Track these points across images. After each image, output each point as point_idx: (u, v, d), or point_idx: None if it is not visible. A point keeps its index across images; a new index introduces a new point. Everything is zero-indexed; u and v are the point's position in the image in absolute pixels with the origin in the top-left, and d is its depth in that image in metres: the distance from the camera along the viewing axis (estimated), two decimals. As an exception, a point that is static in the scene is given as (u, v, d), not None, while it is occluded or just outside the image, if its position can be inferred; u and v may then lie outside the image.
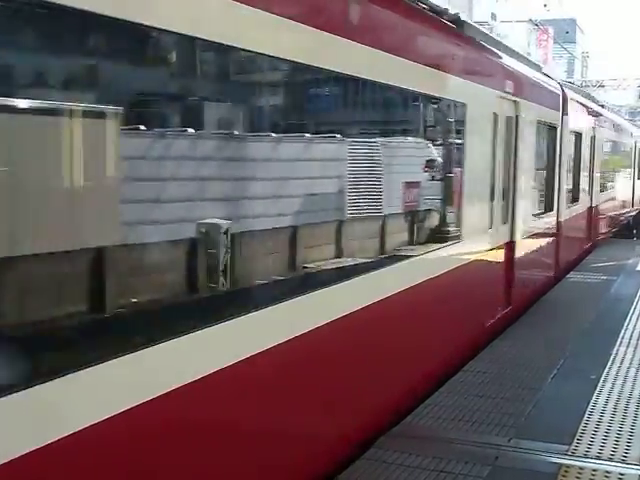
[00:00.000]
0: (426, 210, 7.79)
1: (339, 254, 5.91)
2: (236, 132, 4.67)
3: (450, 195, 8.25)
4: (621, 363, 8.69)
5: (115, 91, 3.62)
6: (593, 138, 17.56)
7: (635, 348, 9.35)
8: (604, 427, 6.68)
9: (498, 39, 11.58)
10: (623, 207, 25.86)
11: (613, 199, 23.02)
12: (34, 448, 3.04)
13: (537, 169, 12.00)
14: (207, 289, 4.34)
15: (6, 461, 2.93)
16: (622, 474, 5.77)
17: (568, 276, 14.89)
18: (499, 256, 9.94)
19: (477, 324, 9.26)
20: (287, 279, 5.18)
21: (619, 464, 5.94)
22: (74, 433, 3.21)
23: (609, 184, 22.05)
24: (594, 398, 7.45)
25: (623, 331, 10.23)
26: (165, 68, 4.05)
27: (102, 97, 3.54)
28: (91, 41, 3.53)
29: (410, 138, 7.67)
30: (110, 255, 3.63)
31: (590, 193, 17.92)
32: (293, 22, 4.84)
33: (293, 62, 4.93)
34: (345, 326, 5.64)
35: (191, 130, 4.20)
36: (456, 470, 5.76)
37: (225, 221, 4.37)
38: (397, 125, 7.40)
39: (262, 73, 4.91)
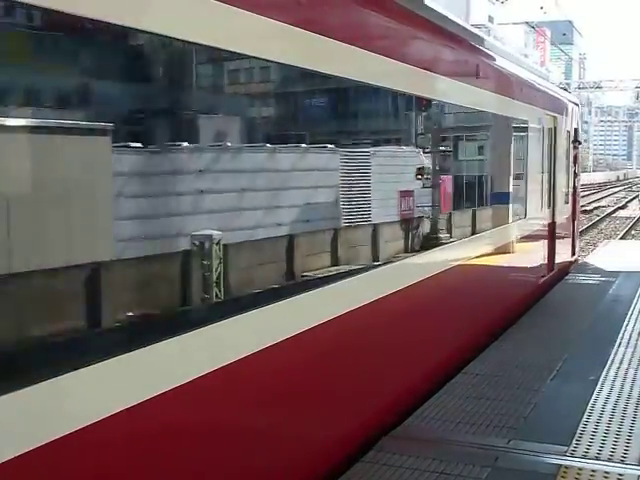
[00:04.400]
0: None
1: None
2: None
3: None
4: (620, 364, 8.71)
5: None
6: None
7: (634, 349, 9.37)
8: (603, 428, 6.71)
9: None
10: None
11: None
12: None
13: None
14: None
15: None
16: (621, 474, 5.79)
17: (567, 277, 14.93)
18: None
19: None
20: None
21: (618, 464, 5.96)
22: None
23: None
24: (593, 399, 7.47)
25: (622, 332, 10.25)
26: None
27: None
28: None
29: None
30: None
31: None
32: None
33: None
34: None
35: None
36: (456, 471, 5.79)
37: None
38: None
39: None
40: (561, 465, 5.94)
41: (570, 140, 16.13)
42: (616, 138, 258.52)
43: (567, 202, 15.88)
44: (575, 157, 16.82)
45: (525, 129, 11.91)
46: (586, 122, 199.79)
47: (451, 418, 6.96)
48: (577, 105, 18.07)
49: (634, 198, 55.78)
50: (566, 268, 15.73)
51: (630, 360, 8.87)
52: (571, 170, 16.30)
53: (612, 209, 44.02)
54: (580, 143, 17.37)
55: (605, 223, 35.88)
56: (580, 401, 7.40)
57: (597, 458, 6.07)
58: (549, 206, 13.91)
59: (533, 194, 12.48)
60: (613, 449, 6.24)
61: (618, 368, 8.53)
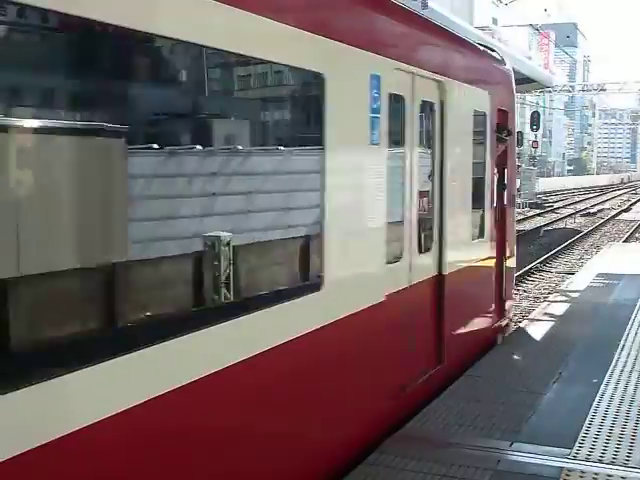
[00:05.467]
0: None
1: None
2: None
3: None
4: (623, 367, 8.69)
5: None
6: None
7: (638, 352, 9.35)
8: (606, 431, 6.69)
9: None
10: None
11: None
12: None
13: None
14: None
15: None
16: (624, 477, 5.77)
17: (569, 280, 14.91)
18: None
19: None
20: None
21: (621, 467, 5.94)
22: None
23: None
24: (596, 402, 7.45)
25: (626, 335, 10.23)
26: None
27: None
28: None
29: None
30: None
31: None
32: None
33: None
34: None
35: None
36: (458, 474, 5.78)
37: None
38: None
39: None
40: (563, 468, 5.93)
41: (491, 129, 9.57)
42: (620, 141, 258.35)
43: (482, 235, 9.39)
44: (503, 157, 10.43)
45: (321, 96, 5.46)
46: (590, 125, 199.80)
47: (453, 421, 6.96)
48: (509, 72, 11.09)
49: (638, 201, 55.73)
50: (480, 345, 9.49)
51: (633, 363, 8.84)
52: (490, 179, 9.60)
53: (616, 212, 43.95)
54: (510, 134, 10.48)
55: (609, 226, 35.83)
56: (583, 404, 7.38)
57: (600, 461, 6.06)
58: (428, 249, 7.63)
59: (361, 233, 6.28)
60: (616, 452, 6.23)
61: (621, 371, 8.51)
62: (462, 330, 8.84)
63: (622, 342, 9.82)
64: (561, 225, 35.51)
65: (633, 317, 11.37)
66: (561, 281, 18.19)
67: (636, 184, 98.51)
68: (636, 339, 10.00)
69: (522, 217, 39.31)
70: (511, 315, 11.48)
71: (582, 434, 6.60)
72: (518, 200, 46.80)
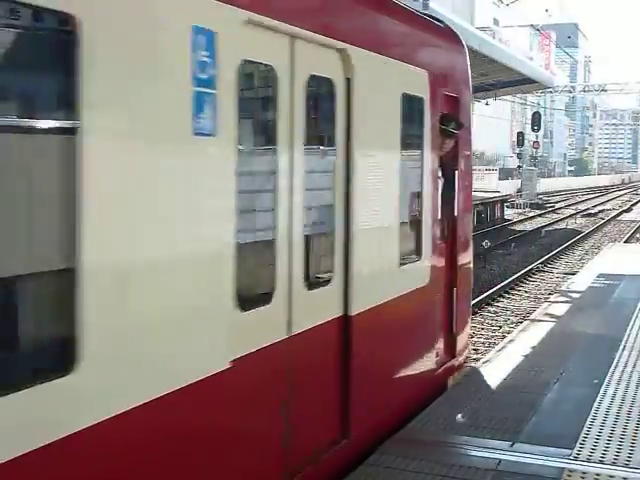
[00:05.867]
0: None
1: None
2: None
3: None
4: (625, 367, 8.67)
5: None
6: None
7: (639, 352, 9.33)
8: (607, 431, 6.67)
9: None
10: None
11: None
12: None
13: None
14: None
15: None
16: (625, 478, 5.76)
17: (570, 281, 14.90)
18: None
19: None
20: None
21: (622, 468, 5.92)
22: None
23: None
24: (597, 402, 7.43)
25: (626, 335, 10.21)
26: None
27: None
28: None
29: None
30: None
31: None
32: None
33: None
34: None
35: None
36: (459, 475, 5.77)
37: None
38: None
39: None
40: (565, 468, 5.91)
41: (431, 119, 7.32)
42: (621, 141, 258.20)
43: (417, 257, 7.18)
44: (452, 155, 8.20)
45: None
46: (591, 125, 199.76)
47: (454, 421, 6.94)
48: (462, 51, 8.67)
49: (639, 201, 55.68)
50: (423, 394, 7.41)
51: (635, 363, 8.82)
52: (430, 184, 7.41)
53: (617, 212, 43.93)
54: (461, 127, 8.09)
55: (610, 226, 35.82)
56: (584, 404, 7.36)
57: (601, 462, 6.04)
58: (326, 281, 5.57)
59: (172, 266, 3.86)
60: (617, 453, 6.21)
61: (622, 371, 8.49)
62: (386, 385, 6.63)
63: (623, 342, 9.80)
64: (562, 225, 35.50)
65: (634, 317, 11.35)
66: (562, 281, 18.18)
67: (637, 184, 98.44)
68: (637, 339, 9.97)
69: (523, 217, 39.37)
70: (466, 353, 9.11)
71: (583, 435, 6.59)
72: (519, 200, 47.00)
